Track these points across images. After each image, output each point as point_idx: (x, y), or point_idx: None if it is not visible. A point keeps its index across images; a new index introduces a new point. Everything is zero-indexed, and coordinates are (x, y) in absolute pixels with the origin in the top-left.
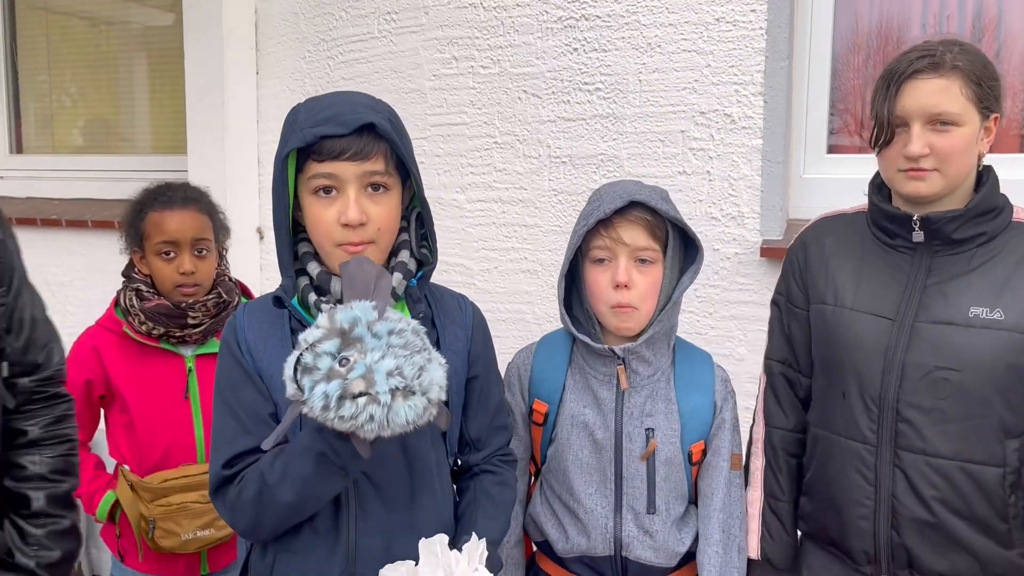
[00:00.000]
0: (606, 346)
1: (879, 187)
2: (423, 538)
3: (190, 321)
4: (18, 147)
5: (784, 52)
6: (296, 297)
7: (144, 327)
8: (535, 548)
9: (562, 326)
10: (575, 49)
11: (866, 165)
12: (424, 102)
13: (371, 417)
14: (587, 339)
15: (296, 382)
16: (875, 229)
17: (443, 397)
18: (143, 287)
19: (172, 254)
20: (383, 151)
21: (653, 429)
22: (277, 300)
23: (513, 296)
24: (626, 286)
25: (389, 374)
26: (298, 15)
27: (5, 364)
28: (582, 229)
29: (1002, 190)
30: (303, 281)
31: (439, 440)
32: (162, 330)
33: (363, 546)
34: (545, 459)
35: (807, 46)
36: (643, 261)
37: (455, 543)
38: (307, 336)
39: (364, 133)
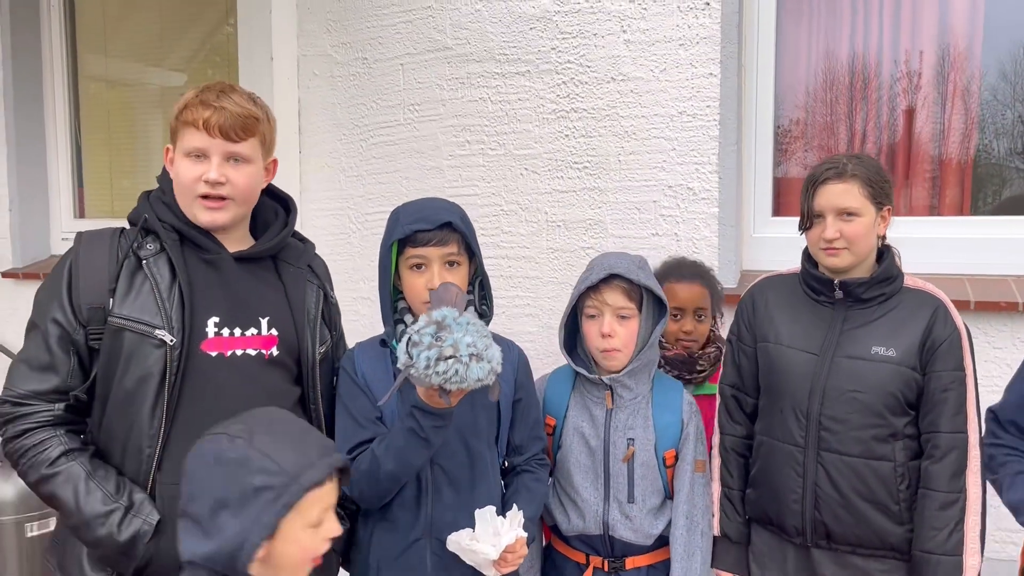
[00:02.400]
0: (598, 376)
1: (808, 257)
2: (477, 509)
3: (698, 368)
4: (81, 211)
5: (734, 138)
6: (395, 340)
7: (669, 372)
8: (551, 531)
9: (563, 361)
10: (567, 135)
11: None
12: (442, 177)
13: (456, 372)
14: (584, 371)
15: (407, 353)
16: (805, 287)
17: (499, 371)
18: (663, 340)
19: (679, 316)
20: (457, 239)
21: (633, 439)
22: (383, 341)
23: (518, 336)
24: (610, 335)
25: (468, 345)
26: (335, 105)
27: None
28: (577, 293)
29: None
30: (400, 328)
31: (493, 444)
32: (676, 373)
33: (437, 518)
34: (555, 462)
35: (753, 133)
36: (623, 317)
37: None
38: (413, 326)
39: (444, 228)
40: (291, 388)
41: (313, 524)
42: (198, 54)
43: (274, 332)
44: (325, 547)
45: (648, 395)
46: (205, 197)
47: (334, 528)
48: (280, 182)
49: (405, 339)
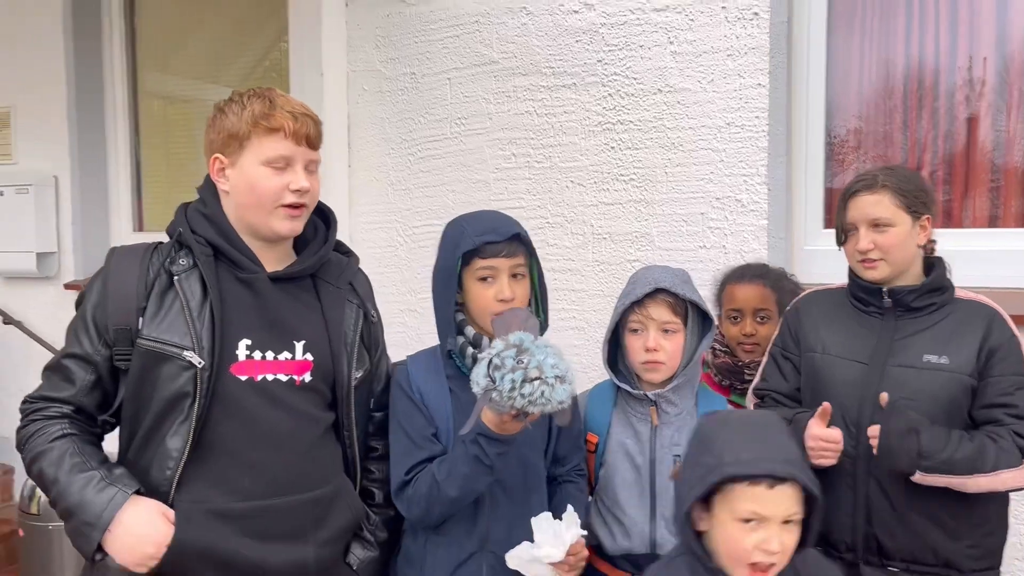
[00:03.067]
0: (642, 391)
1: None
2: (532, 518)
3: (746, 377)
4: (140, 225)
5: (783, 149)
6: (457, 351)
7: (716, 378)
8: (592, 551)
9: (606, 375)
10: (613, 147)
11: None
12: (488, 190)
13: (542, 393)
14: (627, 387)
15: (488, 376)
16: (852, 299)
17: (576, 393)
18: (717, 345)
19: (738, 318)
20: (522, 251)
21: (679, 455)
22: (448, 352)
23: (564, 349)
24: (655, 350)
25: (552, 366)
26: (384, 120)
27: (373, 401)
28: (621, 308)
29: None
30: (460, 339)
31: (542, 455)
32: (727, 382)
33: (493, 529)
34: (597, 479)
35: (803, 144)
36: (668, 331)
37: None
38: (491, 351)
39: (513, 239)
40: (324, 414)
41: (741, 518)
42: (253, 71)
43: (309, 357)
44: (756, 555)
45: (693, 410)
46: (289, 206)
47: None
48: (330, 196)
49: (484, 363)
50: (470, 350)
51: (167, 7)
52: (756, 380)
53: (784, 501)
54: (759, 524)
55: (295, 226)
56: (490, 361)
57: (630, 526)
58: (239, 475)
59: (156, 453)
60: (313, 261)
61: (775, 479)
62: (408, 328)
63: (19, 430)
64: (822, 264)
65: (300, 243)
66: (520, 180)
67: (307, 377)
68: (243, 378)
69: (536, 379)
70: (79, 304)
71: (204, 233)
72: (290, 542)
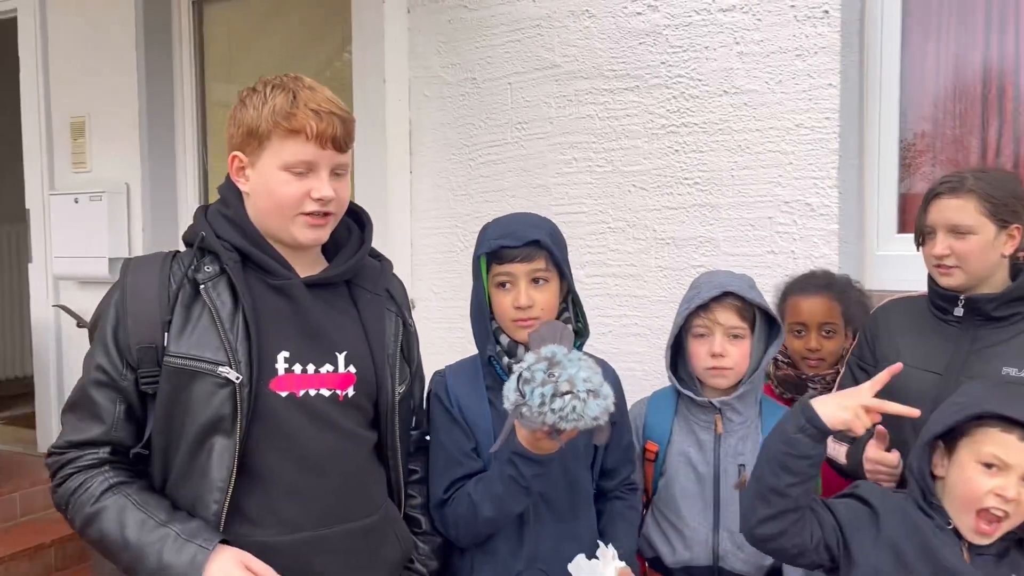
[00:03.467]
0: (706, 399)
1: None
2: (568, 565)
3: (809, 392)
4: None
5: (855, 151)
6: (494, 358)
7: (777, 390)
8: (647, 564)
9: (668, 383)
10: (676, 151)
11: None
12: (549, 195)
13: (574, 409)
14: (691, 394)
15: (518, 391)
16: (932, 307)
17: (612, 409)
18: (779, 357)
19: (802, 332)
20: (544, 256)
21: (744, 465)
22: (488, 360)
23: (625, 356)
24: (722, 355)
25: (584, 380)
26: (445, 125)
27: (415, 420)
28: (685, 311)
29: None
30: (497, 348)
31: (588, 469)
32: (789, 395)
33: (540, 547)
34: (656, 489)
35: (876, 146)
36: (736, 336)
37: (592, 555)
38: (522, 364)
39: (531, 244)
40: (368, 434)
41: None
42: (317, 80)
43: (352, 369)
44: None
45: (756, 419)
46: (310, 214)
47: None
48: (392, 202)
49: (514, 377)
50: (505, 359)
51: (234, 19)
52: (835, 391)
53: None
54: (999, 471)
55: (319, 236)
56: (520, 375)
57: (691, 537)
58: (286, 504)
59: (199, 487)
60: (350, 265)
61: None
62: (466, 333)
63: (55, 489)
64: (895, 270)
65: (331, 246)
66: (581, 184)
67: (350, 392)
68: (283, 394)
69: (567, 393)
70: (93, 328)
71: (229, 237)
72: None
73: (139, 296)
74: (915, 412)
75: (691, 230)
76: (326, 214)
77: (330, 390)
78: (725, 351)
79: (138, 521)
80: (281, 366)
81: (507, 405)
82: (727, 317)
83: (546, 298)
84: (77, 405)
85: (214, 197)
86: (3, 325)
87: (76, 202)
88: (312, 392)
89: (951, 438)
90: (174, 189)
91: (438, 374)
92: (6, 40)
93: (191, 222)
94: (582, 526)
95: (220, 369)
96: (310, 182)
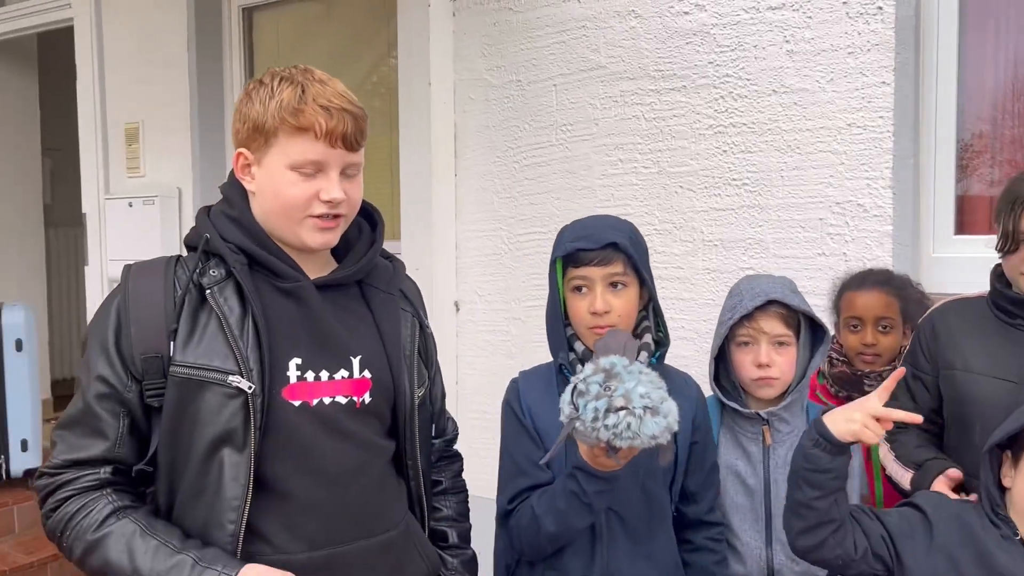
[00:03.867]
0: (753, 411)
1: (999, 276)
2: None
3: (865, 388)
4: None
5: (910, 151)
6: (567, 366)
7: (832, 389)
8: None
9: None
10: (724, 151)
11: (992, 243)
12: (594, 197)
13: (628, 426)
14: (736, 406)
15: (572, 403)
16: (996, 310)
17: (676, 428)
18: (834, 354)
19: (858, 327)
20: (622, 259)
21: None
22: (560, 367)
23: (672, 360)
24: (768, 365)
25: (641, 396)
26: (489, 128)
27: (435, 428)
28: (729, 321)
29: None
30: (571, 356)
31: (667, 490)
32: (844, 393)
33: (612, 565)
34: None
35: (932, 144)
36: (781, 344)
37: None
38: (578, 375)
39: (609, 247)
40: (386, 443)
41: None
42: (363, 84)
43: (367, 374)
44: None
45: (804, 427)
46: (319, 216)
47: None
48: (437, 205)
49: (569, 388)
50: (579, 367)
51: (283, 25)
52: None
53: None
54: None
55: (328, 239)
56: (575, 386)
57: (744, 552)
58: (303, 520)
59: (213, 506)
60: (362, 265)
61: None
62: (512, 337)
63: (48, 515)
64: (952, 272)
65: (341, 244)
66: (627, 186)
67: (367, 398)
68: (297, 403)
69: (621, 409)
70: (89, 337)
71: (234, 239)
72: None
73: (142, 303)
74: (918, 418)
75: (739, 232)
76: (336, 216)
77: (346, 397)
78: (771, 360)
79: (149, 548)
80: (293, 373)
81: (561, 418)
82: (772, 325)
83: (623, 304)
84: (76, 420)
85: None
86: (62, 326)
87: (130, 206)
88: (327, 400)
89: (1018, 447)
90: None
91: (512, 380)
92: (64, 49)
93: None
94: (658, 548)
95: (231, 378)
96: (319, 183)
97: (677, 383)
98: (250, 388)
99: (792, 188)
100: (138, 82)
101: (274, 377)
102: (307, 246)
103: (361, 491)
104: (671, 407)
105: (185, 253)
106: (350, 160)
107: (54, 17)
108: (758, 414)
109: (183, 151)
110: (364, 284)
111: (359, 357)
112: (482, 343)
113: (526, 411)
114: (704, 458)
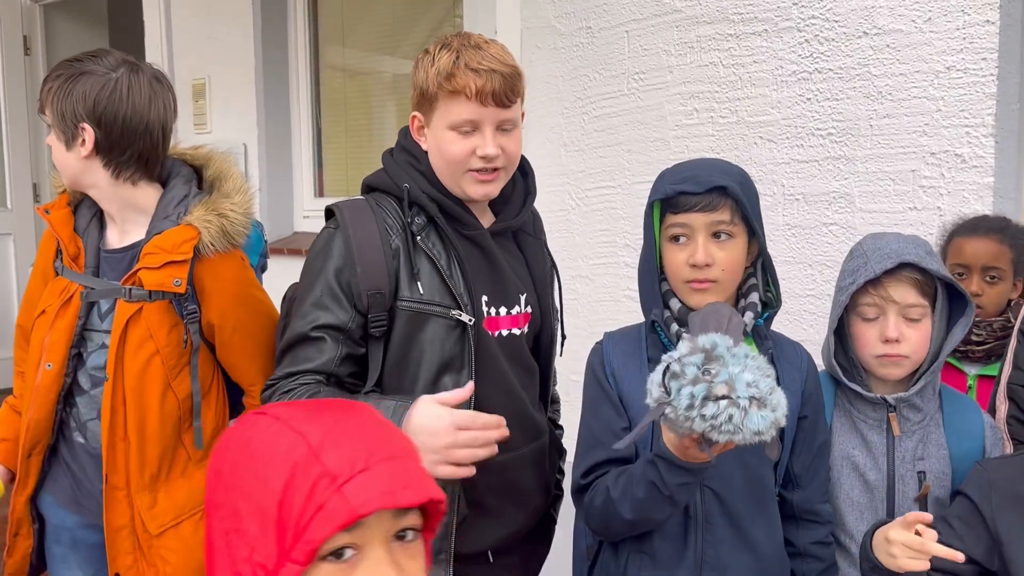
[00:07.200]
0: (878, 395)
1: None
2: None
3: (973, 338)
4: (320, 191)
5: (1015, 96)
6: (661, 325)
7: None
8: None
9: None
10: (808, 99)
11: None
12: (667, 149)
13: (730, 418)
14: (858, 388)
15: (663, 386)
16: None
17: (783, 424)
18: None
19: (964, 275)
20: (729, 206)
21: (925, 472)
22: (653, 324)
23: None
24: (896, 340)
25: (748, 384)
26: (557, 78)
27: None
28: (851, 287)
29: None
30: (666, 313)
31: (772, 468)
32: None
33: (708, 553)
34: None
35: None
36: (912, 316)
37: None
38: (674, 353)
39: (715, 191)
40: (535, 366)
41: None
42: (429, 40)
43: (529, 309)
44: None
45: (937, 416)
46: (478, 171)
47: None
48: None
49: (661, 368)
50: (674, 327)
51: None
52: (1006, 369)
53: None
54: None
55: (488, 190)
56: (668, 366)
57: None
58: None
59: None
60: (523, 213)
61: None
62: (579, 296)
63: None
64: None
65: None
66: (703, 137)
67: (526, 329)
68: (493, 334)
69: (723, 398)
70: (310, 270)
71: (427, 190)
72: (527, 495)
73: (364, 244)
74: (959, 556)
75: (823, 185)
76: (495, 169)
77: (520, 329)
78: (901, 335)
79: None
80: (485, 309)
81: (648, 400)
82: (903, 294)
83: (729, 257)
84: (299, 344)
85: (328, 156)
86: None
87: None
88: (505, 332)
89: None
90: (289, 149)
91: (597, 343)
92: (133, 7)
93: (375, 168)
94: (760, 533)
95: (453, 312)
96: (475, 140)
97: (786, 350)
98: (470, 320)
99: (882, 138)
100: (205, 39)
101: (477, 311)
102: (470, 197)
103: (528, 406)
104: (780, 399)
105: (359, 193)
106: (504, 116)
107: None
108: (883, 399)
109: (248, 107)
110: (517, 230)
111: (524, 295)
112: None
113: (610, 374)
114: (814, 437)
